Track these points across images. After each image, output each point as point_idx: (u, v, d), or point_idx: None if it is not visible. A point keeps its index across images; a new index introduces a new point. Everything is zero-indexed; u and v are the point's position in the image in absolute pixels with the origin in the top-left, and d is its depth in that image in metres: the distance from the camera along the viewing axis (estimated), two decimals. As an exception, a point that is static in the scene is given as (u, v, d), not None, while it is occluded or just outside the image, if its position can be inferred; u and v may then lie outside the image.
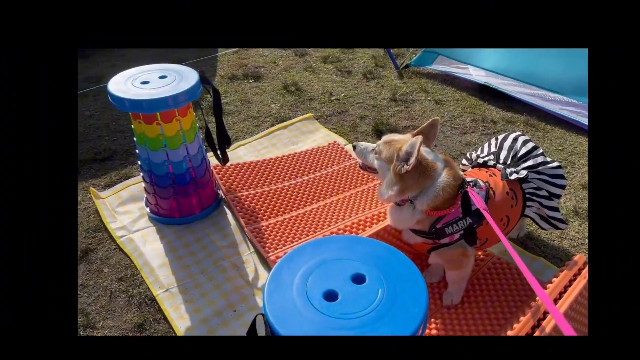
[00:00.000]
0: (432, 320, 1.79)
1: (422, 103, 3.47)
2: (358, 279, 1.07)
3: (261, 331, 1.01)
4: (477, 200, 1.63)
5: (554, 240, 2.21)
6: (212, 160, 2.45)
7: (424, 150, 1.67)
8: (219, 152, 2.32)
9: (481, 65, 3.55)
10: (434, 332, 1.74)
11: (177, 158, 2.09)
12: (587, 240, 2.19)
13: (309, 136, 3.05)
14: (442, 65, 3.77)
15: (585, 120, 3.00)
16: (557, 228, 1.97)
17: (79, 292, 1.92)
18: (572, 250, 2.15)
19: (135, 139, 2.11)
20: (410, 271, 1.08)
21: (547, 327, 1.46)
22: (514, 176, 1.84)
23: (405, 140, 1.66)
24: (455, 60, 3.69)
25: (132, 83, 1.96)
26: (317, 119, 3.25)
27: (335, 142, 2.94)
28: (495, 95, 3.45)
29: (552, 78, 3.19)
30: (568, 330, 1.02)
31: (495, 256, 2.08)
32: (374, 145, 1.77)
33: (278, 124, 3.15)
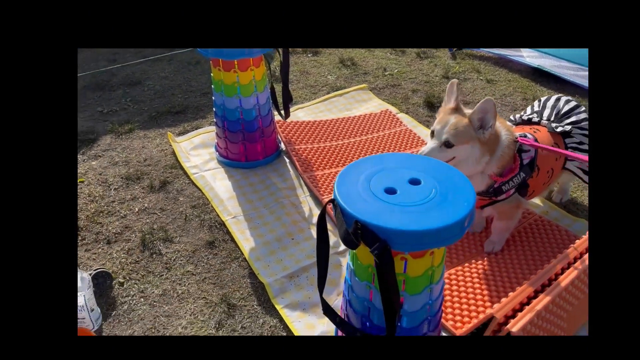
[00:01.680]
0: (473, 261, 1.94)
1: (473, 82, 3.57)
2: (415, 181, 1.25)
3: (332, 215, 1.21)
4: (530, 142, 1.71)
5: (597, 207, 2.28)
6: (276, 117, 2.69)
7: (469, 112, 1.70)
8: (282, 107, 2.55)
9: (537, 48, 3.59)
10: (474, 273, 1.88)
11: (249, 105, 2.34)
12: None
13: (363, 104, 3.23)
14: (495, 47, 3.84)
15: None
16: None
17: (158, 214, 2.20)
18: (614, 216, 2.22)
19: (213, 86, 2.37)
20: (461, 179, 1.25)
21: (563, 282, 1.55)
22: (559, 129, 1.94)
23: (460, 116, 1.67)
24: (510, 43, 3.75)
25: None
26: (370, 90, 3.43)
27: (387, 110, 3.10)
28: (548, 77, 3.50)
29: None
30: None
31: (537, 214, 2.19)
32: (433, 144, 1.68)
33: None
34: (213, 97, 2.40)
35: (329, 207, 1.26)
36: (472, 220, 1.19)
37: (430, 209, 1.15)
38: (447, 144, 1.67)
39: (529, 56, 3.61)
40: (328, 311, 1.34)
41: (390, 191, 1.22)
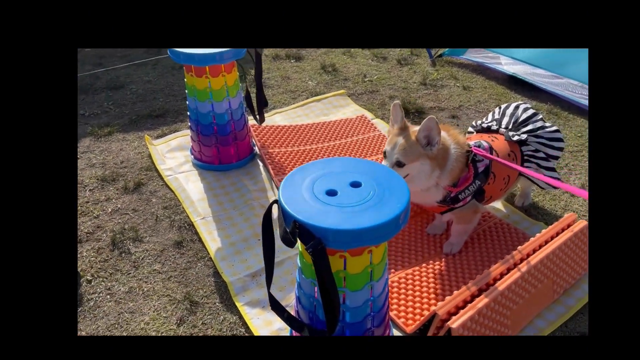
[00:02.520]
0: (431, 262, 2.01)
1: (450, 88, 3.66)
2: (356, 184, 1.33)
3: (274, 215, 1.29)
4: (482, 152, 1.79)
5: (557, 211, 2.36)
6: (252, 121, 2.76)
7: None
8: (256, 111, 2.63)
9: (512, 55, 3.68)
10: (430, 273, 1.95)
11: (221, 110, 2.41)
12: (587, 214, 2.33)
13: (340, 110, 3.31)
14: (474, 54, 3.93)
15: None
16: (554, 187, 2.13)
17: (130, 214, 2.27)
18: (572, 219, 2.30)
19: (186, 90, 2.44)
20: (398, 182, 1.32)
21: (506, 282, 1.63)
22: (515, 137, 2.02)
23: (408, 135, 1.73)
24: (486, 50, 3.84)
25: (187, 41, 2.30)
26: (349, 96, 3.51)
27: (363, 115, 3.18)
28: (523, 86, 3.58)
29: (584, 69, 3.28)
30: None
31: (497, 218, 2.26)
32: (386, 164, 1.75)
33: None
34: (187, 102, 2.48)
35: (275, 207, 1.33)
36: (406, 218, 1.26)
37: (366, 209, 1.22)
38: (399, 164, 1.74)
39: (506, 63, 3.70)
40: (276, 307, 1.41)
41: (331, 193, 1.29)
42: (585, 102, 3.21)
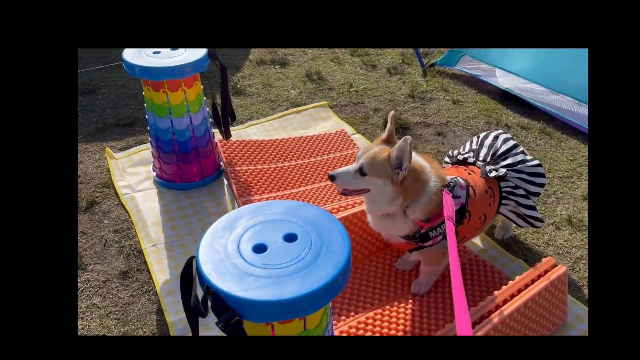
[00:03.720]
0: (396, 303, 1.84)
1: (439, 102, 3.47)
2: (291, 237, 1.16)
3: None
4: (448, 207, 1.57)
5: (539, 246, 2.19)
6: (220, 136, 2.59)
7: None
8: (223, 126, 2.46)
9: (507, 68, 3.48)
10: (393, 317, 1.78)
11: (181, 126, 2.24)
12: (573, 250, 2.16)
13: (320, 123, 3.14)
14: (467, 66, 3.74)
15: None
16: (534, 226, 1.96)
17: (78, 238, 2.11)
18: (555, 257, 2.12)
19: (145, 104, 2.28)
20: (339, 236, 1.15)
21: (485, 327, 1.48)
22: (493, 174, 1.84)
23: (386, 148, 1.60)
24: (479, 61, 3.65)
25: (145, 52, 2.12)
26: (331, 108, 3.33)
27: (342, 130, 3.01)
28: (516, 101, 3.39)
29: (579, 86, 3.09)
30: (463, 329, 1.03)
31: (473, 253, 2.09)
32: (353, 166, 1.62)
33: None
34: (146, 116, 2.31)
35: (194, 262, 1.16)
36: (346, 278, 1.10)
37: (295, 273, 1.06)
38: (361, 171, 1.59)
39: (501, 77, 3.51)
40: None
41: (260, 249, 1.12)
42: (580, 122, 3.02)
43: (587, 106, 3.00)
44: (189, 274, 1.15)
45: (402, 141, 1.53)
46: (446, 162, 2.09)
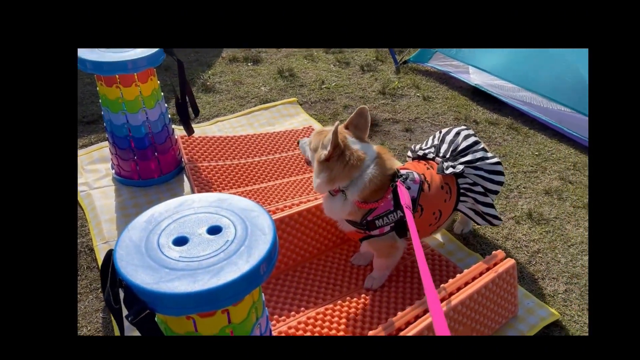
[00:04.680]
0: (348, 298, 1.83)
1: (410, 98, 3.47)
2: (215, 230, 1.13)
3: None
4: (404, 196, 1.61)
5: (498, 240, 2.18)
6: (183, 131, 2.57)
7: (352, 140, 1.67)
8: (183, 122, 2.43)
9: (478, 65, 3.48)
10: (344, 313, 1.76)
11: (136, 122, 2.21)
12: (531, 243, 2.15)
13: (288, 119, 3.12)
14: (439, 63, 3.74)
15: (569, 129, 2.92)
16: (491, 224, 1.96)
17: (31, 235, 2.07)
18: (513, 250, 2.12)
19: (100, 100, 2.24)
20: (266, 226, 1.13)
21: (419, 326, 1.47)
22: (449, 170, 1.83)
23: (339, 132, 1.64)
24: (451, 58, 3.65)
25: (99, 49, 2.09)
26: (301, 105, 3.31)
27: (310, 126, 2.99)
28: (486, 98, 3.40)
29: (548, 84, 3.09)
30: (441, 329, 1.03)
31: (429, 248, 2.08)
32: (311, 137, 1.76)
33: (261, 105, 3.25)
34: (102, 112, 2.28)
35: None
36: (270, 268, 1.08)
37: (212, 265, 1.03)
38: (309, 144, 1.76)
39: (473, 74, 3.50)
40: None
41: (181, 242, 1.10)
42: (549, 118, 3.03)
43: (556, 103, 3.01)
44: (107, 268, 1.13)
45: (334, 125, 1.59)
46: (409, 157, 2.08)
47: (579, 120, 2.87)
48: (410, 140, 2.97)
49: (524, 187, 2.54)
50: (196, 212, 1.18)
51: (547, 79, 3.08)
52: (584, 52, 2.87)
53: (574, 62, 2.93)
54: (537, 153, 2.84)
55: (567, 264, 2.05)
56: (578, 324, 1.79)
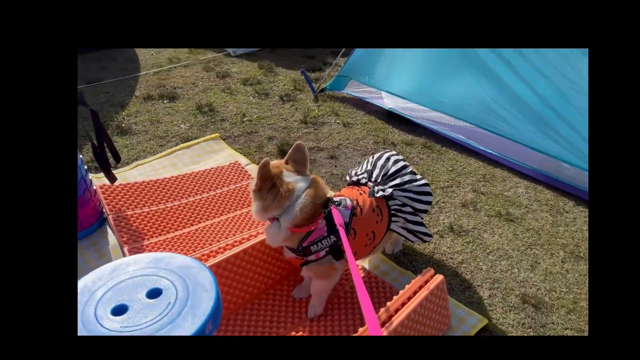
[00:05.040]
0: (293, 333, 1.84)
1: (331, 125, 3.60)
2: (155, 293, 1.11)
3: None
4: (337, 218, 1.73)
5: (426, 255, 2.33)
6: (104, 180, 2.44)
7: (287, 174, 1.76)
8: (103, 171, 2.32)
9: (390, 90, 3.72)
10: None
11: (50, 177, 2.07)
12: (455, 255, 2.33)
13: (212, 156, 3.09)
14: (354, 89, 3.94)
15: (475, 144, 3.22)
16: (423, 241, 2.09)
17: None
18: (441, 263, 2.28)
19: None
20: (208, 285, 1.13)
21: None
22: (379, 194, 1.95)
23: (279, 167, 1.77)
24: (364, 85, 3.86)
25: None
26: (224, 139, 3.30)
27: (236, 161, 2.99)
28: (400, 120, 3.63)
29: (453, 104, 3.38)
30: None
31: (365, 270, 2.17)
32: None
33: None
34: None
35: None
36: (215, 326, 1.07)
37: (156, 332, 1.01)
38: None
39: (386, 97, 3.73)
40: None
41: (120, 310, 1.06)
42: (455, 135, 3.32)
43: (461, 120, 3.30)
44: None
45: (262, 162, 1.69)
46: (347, 182, 2.18)
47: (482, 135, 3.18)
48: (335, 166, 3.08)
49: (443, 202, 2.74)
50: (132, 276, 1.15)
51: (452, 100, 3.38)
52: (486, 72, 3.19)
53: (475, 82, 3.25)
54: (450, 168, 3.09)
55: (488, 270, 2.24)
56: (503, 326, 1.96)
